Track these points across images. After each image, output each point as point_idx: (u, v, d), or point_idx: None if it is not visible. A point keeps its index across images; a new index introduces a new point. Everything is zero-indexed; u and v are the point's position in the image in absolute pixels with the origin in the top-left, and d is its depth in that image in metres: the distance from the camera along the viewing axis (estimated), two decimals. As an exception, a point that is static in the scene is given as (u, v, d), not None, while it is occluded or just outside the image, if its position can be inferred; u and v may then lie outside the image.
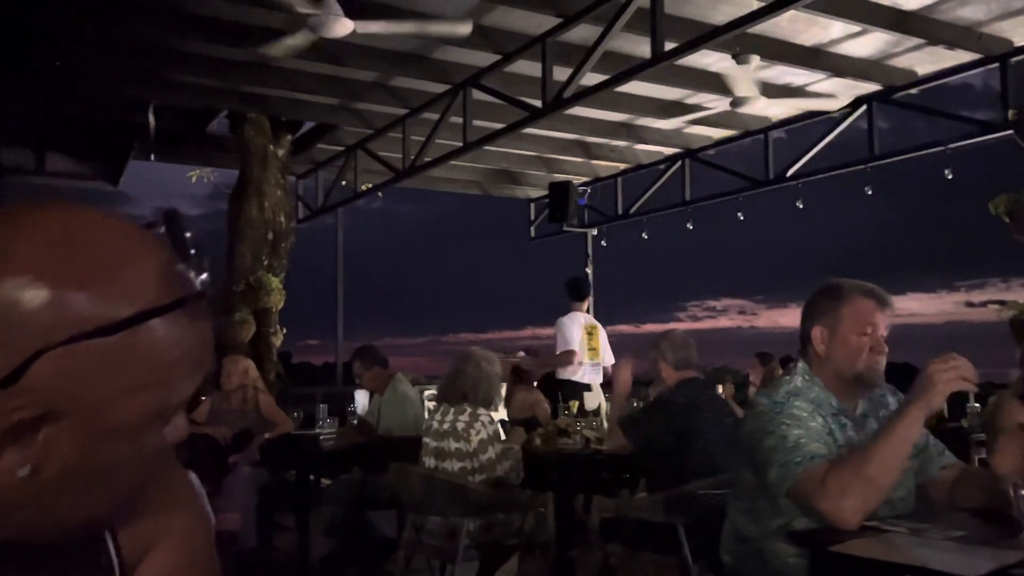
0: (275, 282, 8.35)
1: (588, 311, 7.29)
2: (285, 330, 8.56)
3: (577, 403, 5.49)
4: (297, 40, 5.39)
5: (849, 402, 2.28)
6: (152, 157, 8.63)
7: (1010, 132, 5.12)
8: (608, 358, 6.91)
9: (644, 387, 5.35)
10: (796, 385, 2.25)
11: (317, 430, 5.64)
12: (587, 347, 6.71)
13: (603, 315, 9.15)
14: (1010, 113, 5.04)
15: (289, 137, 8.76)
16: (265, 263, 8.42)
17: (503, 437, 4.03)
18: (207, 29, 6.21)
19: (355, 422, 5.56)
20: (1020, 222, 4.64)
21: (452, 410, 3.93)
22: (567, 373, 6.54)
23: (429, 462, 3.94)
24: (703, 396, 3.85)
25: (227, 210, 8.56)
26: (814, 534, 2.06)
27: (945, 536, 1.86)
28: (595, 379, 6.72)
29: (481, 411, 3.89)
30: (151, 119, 7.90)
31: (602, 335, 6.91)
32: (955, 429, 4.74)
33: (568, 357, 6.51)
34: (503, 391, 4.35)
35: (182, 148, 9.01)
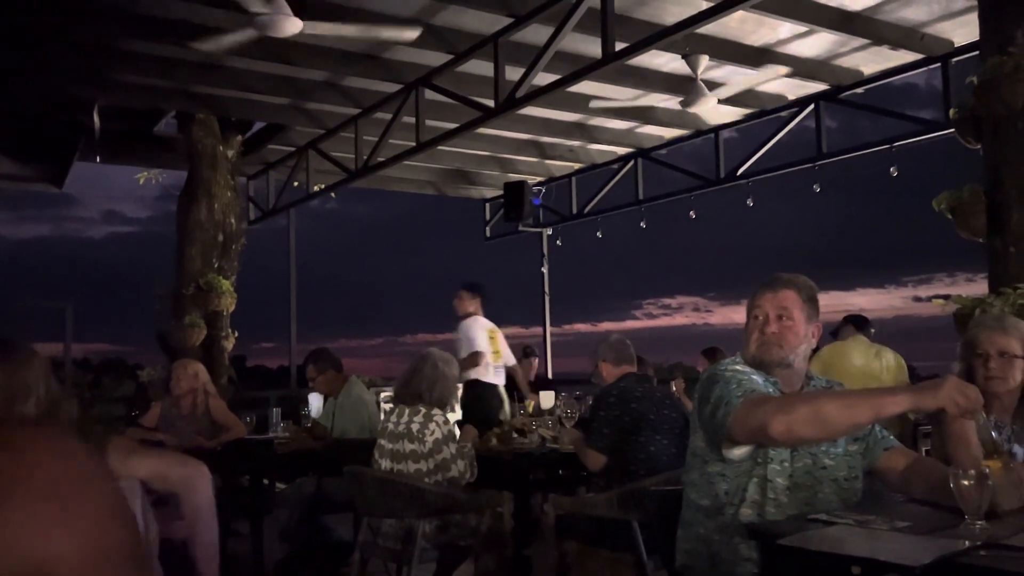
0: (226, 285, 8.24)
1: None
2: (237, 333, 8.45)
3: (532, 403, 5.50)
4: (237, 37, 5.32)
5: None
6: (98, 159, 8.44)
7: (952, 131, 5.24)
8: (509, 359, 7.00)
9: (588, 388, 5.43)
10: (735, 361, 2.38)
11: (271, 434, 5.57)
12: (491, 350, 6.78)
13: (559, 314, 9.20)
14: (952, 112, 5.15)
15: (239, 137, 8.64)
16: (215, 265, 8.29)
17: (458, 436, 4.04)
18: (154, 28, 6.09)
19: (309, 425, 5.50)
20: (963, 219, 4.75)
21: (407, 411, 3.92)
22: (474, 374, 6.59)
23: (384, 464, 3.92)
24: (639, 388, 4.04)
25: (176, 212, 8.42)
26: (764, 527, 2.09)
27: (891, 527, 1.90)
28: (500, 380, 6.80)
29: (436, 411, 3.90)
30: (96, 119, 7.72)
31: (501, 338, 7.00)
32: (902, 420, 4.85)
33: (476, 359, 6.56)
34: (459, 392, 4.39)
35: (129, 149, 8.83)
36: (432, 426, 3.84)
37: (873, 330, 6.05)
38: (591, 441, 3.93)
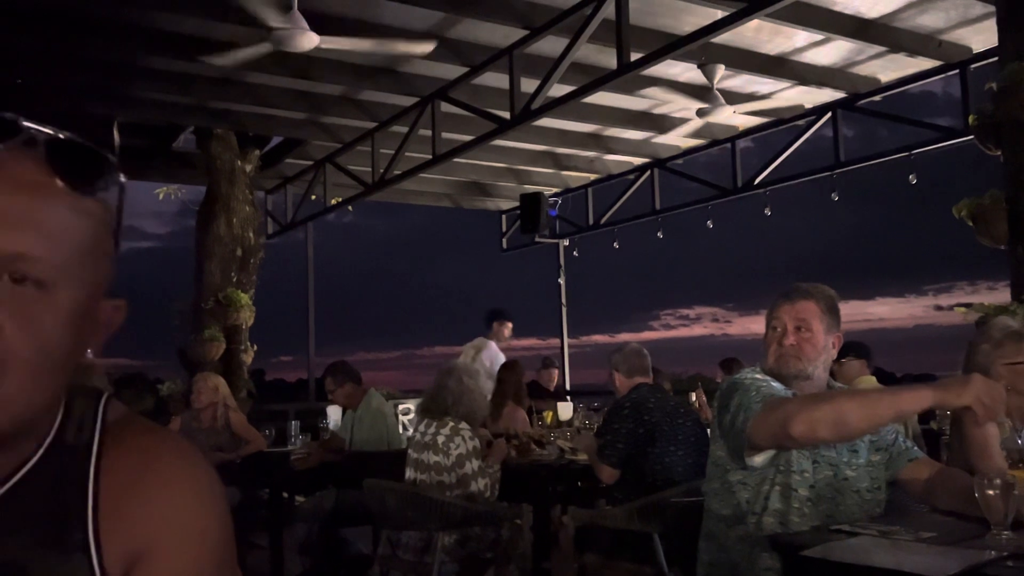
0: (244, 299, 8.28)
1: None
2: (256, 347, 8.49)
3: (551, 414, 5.49)
4: (252, 51, 5.36)
5: None
6: (117, 174, 8.52)
7: (971, 137, 5.20)
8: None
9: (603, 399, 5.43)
10: (755, 371, 2.36)
11: (289, 447, 5.58)
12: None
13: (577, 325, 9.20)
14: (971, 118, 5.11)
15: (257, 152, 8.70)
16: (234, 279, 8.34)
17: (481, 453, 4.01)
18: (171, 44, 6.15)
19: (327, 437, 5.51)
20: (984, 225, 4.70)
21: (435, 423, 3.93)
22: None
23: (410, 473, 3.94)
24: (651, 398, 3.97)
25: (195, 227, 8.48)
26: (786, 538, 2.07)
27: (915, 537, 1.87)
28: None
29: (463, 426, 3.90)
30: (116, 136, 7.80)
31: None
32: (926, 431, 4.79)
33: None
34: (488, 405, 4.37)
35: (148, 165, 8.90)
36: (458, 440, 3.85)
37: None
38: (604, 456, 3.90)
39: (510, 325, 7.64)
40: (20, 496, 0.76)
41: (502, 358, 7.31)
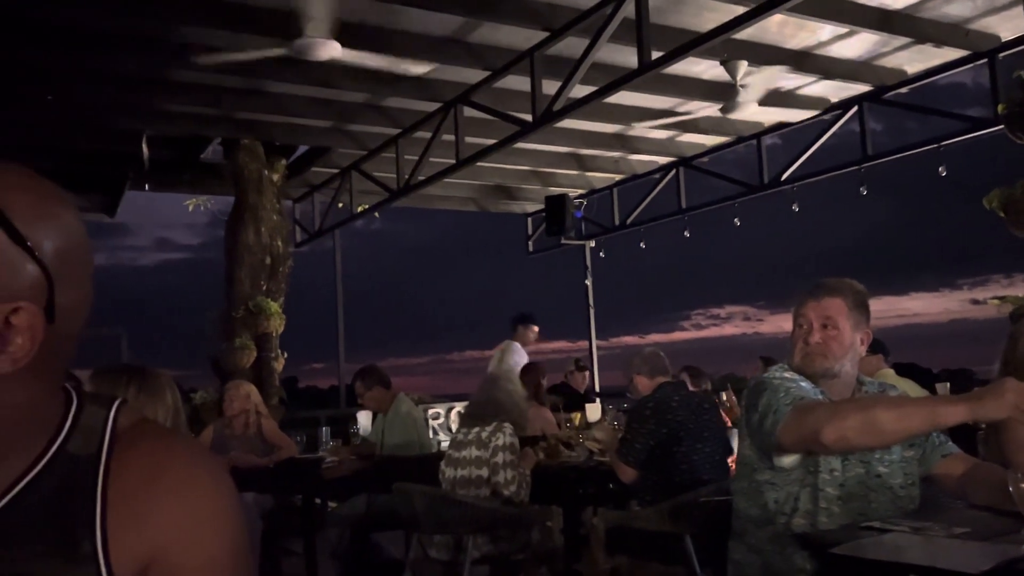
0: (274, 307, 8.35)
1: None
2: (286, 355, 8.55)
3: (579, 415, 5.47)
4: (268, 53, 5.42)
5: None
6: (147, 187, 8.64)
7: (1001, 127, 5.11)
8: None
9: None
10: (783, 369, 2.34)
11: (321, 452, 5.62)
12: None
13: (606, 327, 9.18)
14: (1000, 107, 5.03)
15: (283, 161, 8.78)
16: (264, 288, 8.41)
17: (517, 451, 4.04)
18: (197, 57, 6.22)
19: (357, 443, 5.55)
20: (1015, 216, 4.63)
21: (478, 424, 4.01)
22: None
23: (449, 472, 4.00)
24: (675, 396, 3.97)
25: (224, 237, 8.57)
26: (816, 537, 2.05)
27: (948, 533, 1.84)
28: None
29: (506, 425, 3.98)
30: (145, 149, 7.92)
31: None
32: (962, 425, 4.72)
33: None
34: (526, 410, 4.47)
35: (177, 177, 9.02)
36: (499, 434, 3.92)
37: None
38: (623, 454, 3.89)
39: (536, 328, 7.66)
40: (24, 506, 0.76)
41: (525, 360, 7.33)
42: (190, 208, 9.48)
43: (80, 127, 7.74)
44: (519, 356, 7.38)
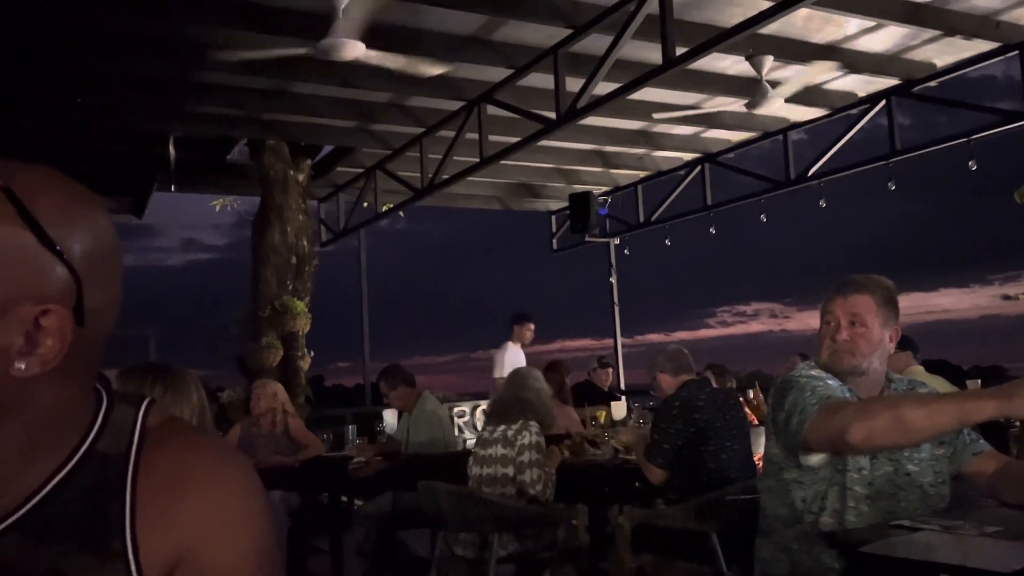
0: (300, 306, 8.40)
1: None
2: (312, 353, 8.60)
3: (605, 413, 5.46)
4: (288, 51, 5.46)
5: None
6: (173, 188, 8.73)
7: (1033, 120, 5.04)
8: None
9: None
10: (810, 366, 2.32)
11: (347, 451, 5.65)
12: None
13: (632, 325, 9.15)
14: (1032, 100, 4.96)
15: (308, 161, 8.84)
16: (290, 287, 8.47)
17: (543, 450, 4.04)
18: (222, 59, 6.27)
19: (383, 441, 5.57)
20: (1048, 210, 4.55)
21: (505, 422, 4.00)
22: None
23: (475, 470, 4.00)
24: (701, 394, 3.94)
25: (250, 237, 8.64)
26: (845, 535, 2.03)
27: (980, 532, 1.81)
28: None
29: (532, 423, 3.98)
30: (172, 151, 8.00)
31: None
32: (993, 422, 4.65)
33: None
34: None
35: (204, 178, 9.11)
36: (525, 433, 3.91)
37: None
38: (651, 456, 3.86)
39: (532, 327, 7.66)
40: (56, 504, 0.77)
41: (522, 359, 7.32)
42: (216, 208, 9.58)
43: (108, 129, 7.83)
44: (514, 356, 7.39)
